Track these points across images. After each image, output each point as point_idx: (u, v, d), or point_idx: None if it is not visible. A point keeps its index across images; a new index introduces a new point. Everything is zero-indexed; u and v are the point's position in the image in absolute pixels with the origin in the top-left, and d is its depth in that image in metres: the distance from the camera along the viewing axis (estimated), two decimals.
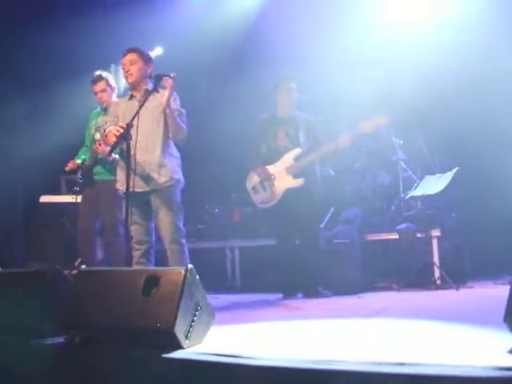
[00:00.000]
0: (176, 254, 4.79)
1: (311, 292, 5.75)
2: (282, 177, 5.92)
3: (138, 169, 4.74)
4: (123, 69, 5.00)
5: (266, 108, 6.25)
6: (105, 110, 5.92)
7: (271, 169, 5.98)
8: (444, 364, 2.48)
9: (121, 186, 4.89)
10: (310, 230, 5.93)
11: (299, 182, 5.84)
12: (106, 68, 8.00)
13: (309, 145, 5.94)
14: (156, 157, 4.82)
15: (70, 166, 5.98)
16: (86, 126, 6.16)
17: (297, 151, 5.90)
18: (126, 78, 4.97)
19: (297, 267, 5.88)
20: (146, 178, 4.82)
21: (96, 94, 5.97)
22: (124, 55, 5.00)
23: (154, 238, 4.94)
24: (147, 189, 4.83)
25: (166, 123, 4.86)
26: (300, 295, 5.82)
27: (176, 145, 5.02)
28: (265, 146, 6.09)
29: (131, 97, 5.00)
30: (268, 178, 5.96)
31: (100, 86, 5.94)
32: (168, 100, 4.71)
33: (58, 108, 7.49)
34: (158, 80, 4.69)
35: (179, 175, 4.95)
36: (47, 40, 7.43)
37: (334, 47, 7.05)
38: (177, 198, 4.89)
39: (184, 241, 4.86)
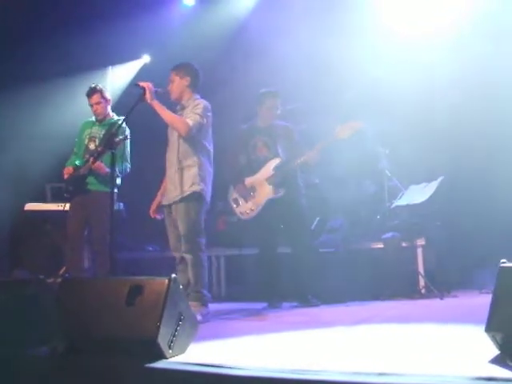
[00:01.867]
0: (189, 263, 4.98)
1: (302, 300, 5.76)
2: (263, 187, 5.93)
3: (167, 182, 5.16)
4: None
5: (249, 117, 6.28)
6: (100, 121, 6.02)
7: (251, 179, 6.00)
8: (425, 374, 2.49)
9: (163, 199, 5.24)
10: (299, 238, 5.92)
11: (279, 192, 5.86)
12: (91, 72, 8.08)
13: (288, 153, 5.95)
14: (173, 170, 5.07)
15: (68, 173, 5.94)
16: (78, 134, 6.16)
17: (276, 161, 5.92)
18: (169, 95, 5.18)
19: (282, 276, 5.90)
20: (170, 191, 5.10)
21: (91, 106, 6.02)
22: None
23: None
24: (166, 203, 5.14)
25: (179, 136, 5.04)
26: (285, 304, 5.83)
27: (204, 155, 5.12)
28: (244, 156, 6.11)
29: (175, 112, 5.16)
30: (248, 194, 5.99)
31: (95, 98, 6.00)
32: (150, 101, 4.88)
33: (43, 114, 7.48)
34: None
35: (197, 187, 5.01)
36: (32, 44, 7.44)
37: (319, 54, 7.09)
38: (192, 210, 4.98)
39: (199, 252, 4.99)
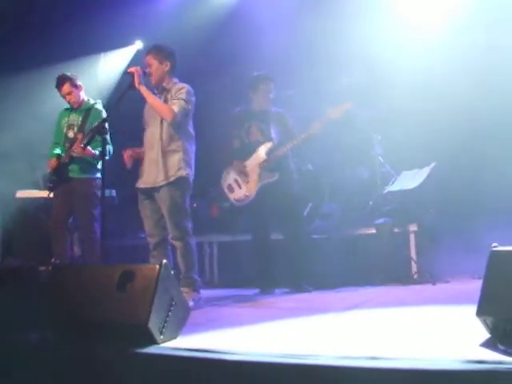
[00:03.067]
0: (180, 250, 4.93)
1: (295, 287, 5.77)
2: (256, 172, 5.88)
3: (146, 165, 4.99)
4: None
5: (242, 102, 6.25)
6: (76, 108, 5.99)
7: (244, 164, 5.97)
8: (416, 358, 2.49)
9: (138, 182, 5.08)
10: (292, 224, 5.92)
11: (273, 176, 5.84)
12: (83, 59, 8.02)
13: (281, 138, 5.93)
14: (156, 153, 4.94)
15: (53, 165, 5.90)
16: (56, 123, 6.13)
17: (268, 145, 5.88)
18: (150, 80, 5.08)
19: (275, 262, 5.91)
20: (150, 175, 4.96)
21: (63, 97, 5.98)
22: (145, 56, 5.15)
23: (166, 230, 4.98)
24: (149, 186, 4.97)
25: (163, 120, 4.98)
26: (277, 291, 5.83)
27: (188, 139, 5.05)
28: (238, 140, 6.08)
29: (154, 93, 5.07)
30: (243, 172, 5.94)
31: (65, 89, 5.95)
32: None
33: (30, 103, 7.44)
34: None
35: (183, 172, 4.94)
36: (21, 33, 7.39)
37: (317, 42, 7.07)
38: (177, 195, 4.91)
39: (188, 238, 4.94)
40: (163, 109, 4.90)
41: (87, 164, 5.82)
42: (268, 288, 5.83)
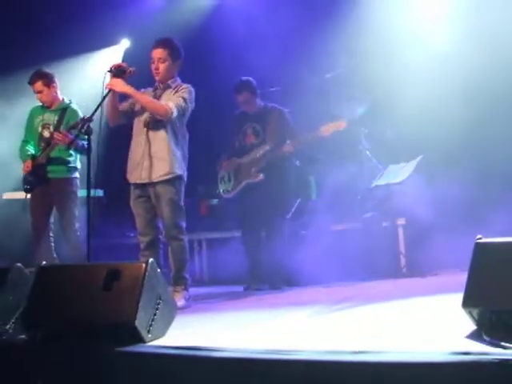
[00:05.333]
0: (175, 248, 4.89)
1: (274, 284, 5.78)
2: (246, 170, 6.02)
3: (140, 160, 4.87)
4: (152, 62, 4.93)
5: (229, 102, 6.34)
6: (49, 106, 5.93)
7: (238, 161, 6.11)
8: (402, 351, 2.50)
9: (127, 175, 4.99)
10: (273, 223, 5.99)
11: (257, 177, 5.94)
12: (69, 60, 7.97)
13: (279, 138, 5.99)
14: (153, 149, 4.84)
15: (28, 167, 5.81)
16: (27, 120, 6.06)
17: (265, 148, 6.00)
18: (154, 74, 4.94)
19: (260, 259, 5.93)
20: (145, 170, 4.84)
21: (35, 93, 5.90)
22: (154, 47, 4.93)
23: (158, 229, 4.95)
24: (146, 181, 4.86)
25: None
26: (266, 287, 5.84)
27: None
28: (237, 142, 6.22)
29: (156, 88, 5.01)
30: (236, 169, 6.10)
31: (36, 86, 5.87)
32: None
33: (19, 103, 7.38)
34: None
35: (180, 170, 4.90)
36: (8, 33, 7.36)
37: (300, 36, 7.08)
38: (174, 193, 4.85)
39: (184, 237, 4.91)
40: (157, 108, 4.80)
41: (66, 164, 5.78)
42: (255, 285, 5.84)
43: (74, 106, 5.98)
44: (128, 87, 4.72)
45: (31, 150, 5.92)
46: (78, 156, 5.87)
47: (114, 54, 8.64)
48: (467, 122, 6.28)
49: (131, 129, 5.05)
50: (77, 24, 7.69)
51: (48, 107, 5.94)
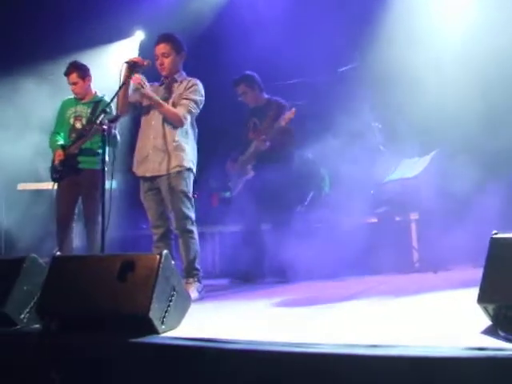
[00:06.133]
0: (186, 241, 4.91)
1: (281, 277, 5.80)
2: (244, 168, 6.22)
3: (150, 153, 4.91)
4: (156, 59, 4.98)
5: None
6: (82, 99, 5.99)
7: (241, 158, 6.28)
8: (417, 345, 2.49)
9: (135, 169, 5.06)
10: (277, 216, 6.07)
11: (250, 173, 6.15)
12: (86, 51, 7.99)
13: (272, 133, 6.06)
14: (163, 142, 4.89)
15: (60, 155, 5.88)
16: (59, 112, 6.10)
17: (254, 144, 6.16)
18: (160, 70, 4.99)
19: (262, 253, 5.97)
20: (154, 163, 4.90)
21: (70, 85, 5.97)
22: (156, 43, 4.99)
23: (170, 221, 4.98)
24: (155, 174, 4.91)
25: None
26: (270, 280, 5.87)
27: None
28: (244, 137, 6.35)
29: (162, 82, 5.07)
30: (235, 171, 6.33)
31: (72, 77, 5.94)
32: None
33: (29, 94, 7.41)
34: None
35: (189, 163, 4.94)
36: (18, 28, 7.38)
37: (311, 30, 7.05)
38: (184, 185, 4.89)
39: (195, 228, 4.94)
40: (172, 116, 4.87)
41: (96, 156, 5.81)
42: (258, 278, 5.89)
43: (106, 99, 6.01)
44: (151, 93, 4.83)
45: (61, 141, 5.96)
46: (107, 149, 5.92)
47: (129, 46, 8.66)
48: (483, 115, 6.25)
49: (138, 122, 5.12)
50: (91, 16, 7.70)
51: (80, 99, 5.99)
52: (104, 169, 4.60)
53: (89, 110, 5.94)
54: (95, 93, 6.07)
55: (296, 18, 7.44)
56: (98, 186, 5.68)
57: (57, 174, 5.91)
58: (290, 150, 6.28)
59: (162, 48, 4.95)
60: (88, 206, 5.85)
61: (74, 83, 5.92)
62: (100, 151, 5.78)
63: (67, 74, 5.93)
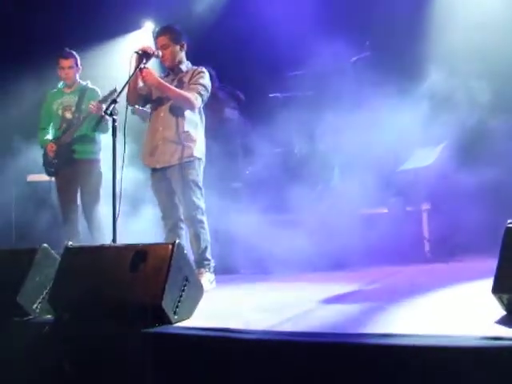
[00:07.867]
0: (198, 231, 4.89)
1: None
2: None
3: (160, 144, 4.91)
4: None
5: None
6: (68, 88, 6.01)
7: None
8: (431, 334, 2.48)
9: (144, 160, 5.04)
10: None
11: None
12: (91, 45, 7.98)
13: None
14: (172, 133, 4.89)
15: (52, 146, 5.90)
16: (44, 107, 6.12)
17: None
18: (162, 61, 5.02)
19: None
20: (165, 154, 4.89)
21: (63, 69, 5.95)
22: (155, 37, 5.10)
23: (180, 211, 4.98)
24: (166, 165, 4.91)
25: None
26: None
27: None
28: None
29: (168, 74, 5.09)
30: None
31: (70, 62, 5.95)
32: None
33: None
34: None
35: (199, 153, 4.95)
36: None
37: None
38: (194, 175, 4.90)
39: (205, 219, 4.93)
40: (184, 100, 4.85)
41: (92, 143, 5.83)
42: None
43: (93, 86, 6.08)
44: (158, 80, 4.83)
45: (49, 136, 6.01)
46: (101, 136, 5.94)
47: (140, 37, 8.66)
48: (496, 104, 6.20)
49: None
50: (101, 9, 7.70)
51: (67, 89, 6.01)
52: (115, 161, 4.54)
53: (76, 99, 5.97)
54: (79, 82, 6.09)
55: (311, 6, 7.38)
56: (96, 175, 5.77)
57: (51, 167, 5.94)
58: None
59: (161, 40, 4.98)
60: (87, 195, 5.89)
61: (70, 67, 5.93)
62: (95, 138, 5.89)
63: (66, 56, 5.94)
